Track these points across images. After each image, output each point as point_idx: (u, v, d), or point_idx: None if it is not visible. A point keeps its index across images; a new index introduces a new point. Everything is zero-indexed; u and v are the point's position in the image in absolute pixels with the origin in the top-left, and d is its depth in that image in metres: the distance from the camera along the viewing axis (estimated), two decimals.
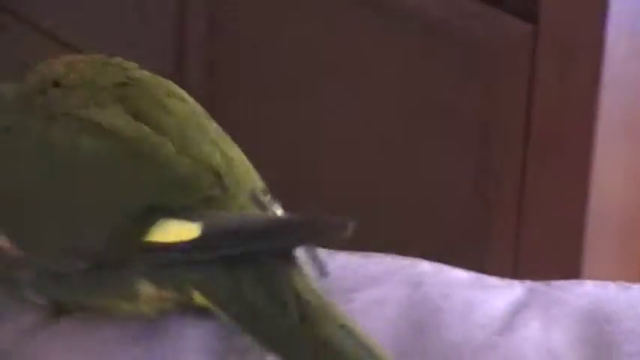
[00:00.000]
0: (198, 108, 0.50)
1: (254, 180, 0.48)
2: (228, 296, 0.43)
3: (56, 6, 1.52)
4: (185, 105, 0.49)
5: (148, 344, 0.45)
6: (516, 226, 1.09)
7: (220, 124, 0.51)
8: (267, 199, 0.47)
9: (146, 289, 0.45)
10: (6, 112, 0.48)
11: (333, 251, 0.51)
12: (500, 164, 1.10)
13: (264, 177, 0.50)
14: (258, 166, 0.51)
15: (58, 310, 0.48)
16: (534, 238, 1.08)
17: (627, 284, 0.50)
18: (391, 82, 1.18)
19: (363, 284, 0.48)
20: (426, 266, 0.49)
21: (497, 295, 0.48)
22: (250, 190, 0.46)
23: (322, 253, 0.49)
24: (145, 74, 0.50)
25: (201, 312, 0.45)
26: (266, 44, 1.28)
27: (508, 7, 1.09)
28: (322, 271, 0.47)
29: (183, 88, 0.51)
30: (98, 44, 1.41)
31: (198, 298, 0.44)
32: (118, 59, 0.50)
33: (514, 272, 1.09)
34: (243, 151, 0.49)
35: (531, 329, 0.46)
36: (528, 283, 0.49)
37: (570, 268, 1.06)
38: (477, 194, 1.10)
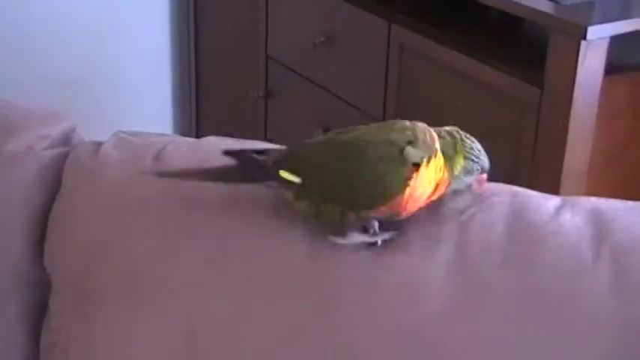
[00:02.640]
0: None
1: None
2: None
3: None
4: None
5: None
6: None
7: None
8: None
9: None
10: None
11: None
12: None
13: None
14: None
15: None
16: None
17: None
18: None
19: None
20: (517, 187, 0.94)
21: (550, 200, 0.92)
22: None
23: None
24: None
25: None
26: None
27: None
28: None
29: None
30: None
31: None
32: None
33: None
34: None
35: (565, 216, 0.89)
36: (562, 197, 0.93)
37: None
38: None
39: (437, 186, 0.86)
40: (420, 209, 0.86)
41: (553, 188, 1.51)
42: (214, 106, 2.44)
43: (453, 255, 0.86)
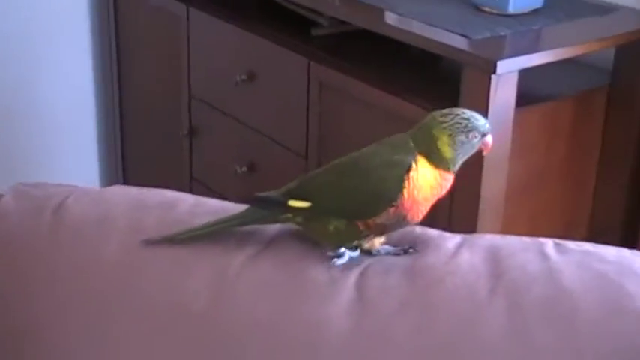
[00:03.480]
0: None
1: None
2: None
3: None
4: None
5: None
6: None
7: None
8: None
9: None
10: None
11: None
12: None
13: None
14: None
15: None
16: None
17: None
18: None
19: None
20: (419, 228, 0.95)
21: (450, 240, 0.93)
22: None
23: None
24: None
25: None
26: None
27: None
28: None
29: None
30: None
31: None
32: None
33: None
34: None
35: (463, 255, 0.91)
36: (462, 235, 0.95)
37: None
38: None
39: (437, 183, 0.89)
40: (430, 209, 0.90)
41: (470, 220, 1.53)
42: (139, 147, 2.43)
43: (353, 298, 0.86)
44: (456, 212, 1.56)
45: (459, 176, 1.50)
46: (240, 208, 0.95)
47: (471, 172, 1.52)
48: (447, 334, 0.83)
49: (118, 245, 0.91)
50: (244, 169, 1.95)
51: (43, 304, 0.90)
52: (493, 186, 1.54)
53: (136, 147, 2.44)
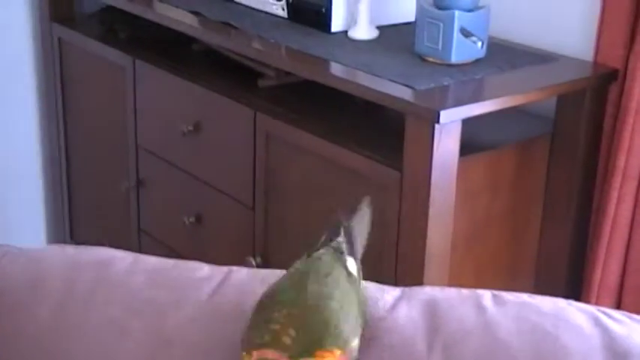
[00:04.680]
0: None
1: None
2: None
3: None
4: None
5: None
6: None
7: None
8: None
9: None
10: None
11: None
12: None
13: None
14: None
15: None
16: None
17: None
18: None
19: None
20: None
21: (389, 293, 0.94)
22: None
23: None
24: None
25: None
26: None
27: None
28: None
29: None
30: None
31: None
32: None
33: None
34: None
35: (402, 309, 0.92)
36: (402, 288, 0.96)
37: None
38: None
39: None
40: None
41: (417, 269, 1.54)
42: (87, 199, 2.41)
43: None
44: (401, 264, 1.56)
45: (405, 228, 1.55)
46: (173, 262, 0.95)
47: (416, 223, 1.53)
48: None
49: (52, 307, 0.90)
50: (192, 219, 1.95)
51: None
52: (439, 236, 1.56)
53: (83, 199, 2.43)
